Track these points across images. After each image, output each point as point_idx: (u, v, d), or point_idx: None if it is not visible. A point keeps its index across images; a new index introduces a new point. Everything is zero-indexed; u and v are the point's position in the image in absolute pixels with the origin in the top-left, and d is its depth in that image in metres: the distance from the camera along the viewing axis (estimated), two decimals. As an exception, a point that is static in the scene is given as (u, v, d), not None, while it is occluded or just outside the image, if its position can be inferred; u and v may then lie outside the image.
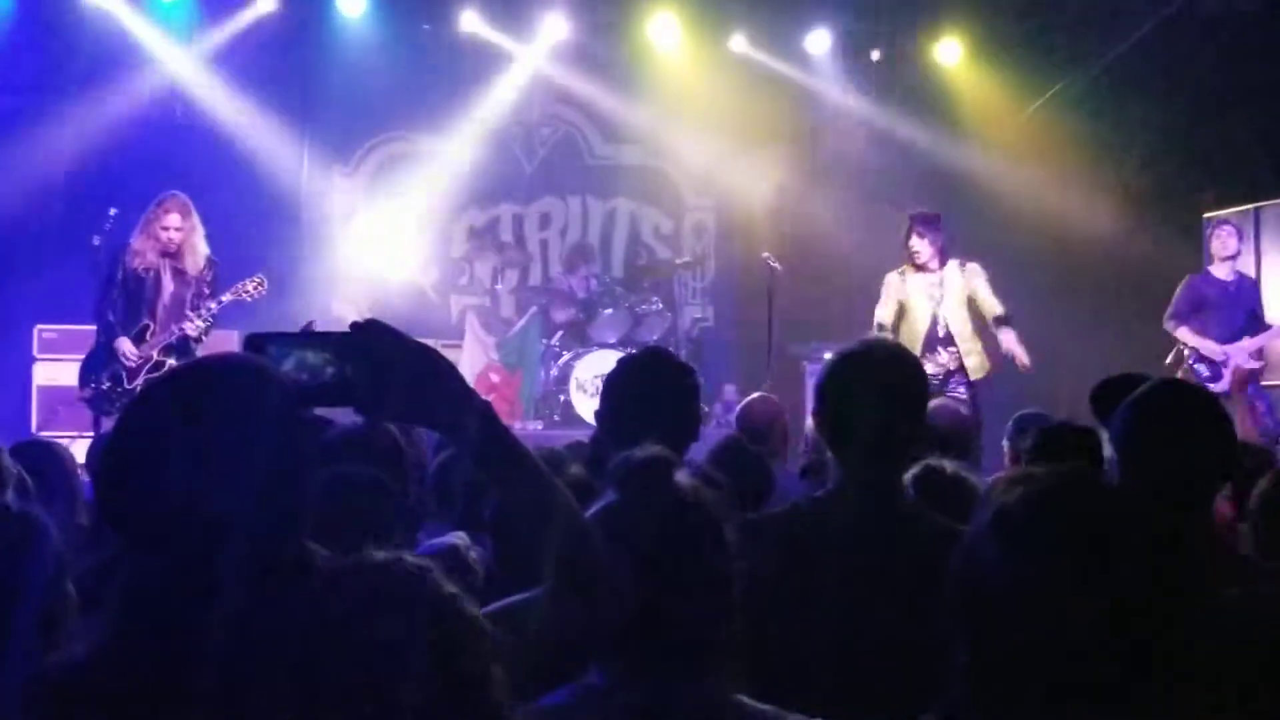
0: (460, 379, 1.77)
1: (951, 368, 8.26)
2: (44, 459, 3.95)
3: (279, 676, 1.51)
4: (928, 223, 8.36)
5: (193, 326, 7.97)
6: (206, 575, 1.64)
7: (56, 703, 1.67)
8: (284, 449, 1.72)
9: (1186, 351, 8.83)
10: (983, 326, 8.40)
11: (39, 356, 9.63)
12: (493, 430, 1.76)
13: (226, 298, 8.08)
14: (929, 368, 7.76)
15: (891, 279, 8.46)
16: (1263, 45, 10.19)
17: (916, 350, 7.78)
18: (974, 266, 8.41)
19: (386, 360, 1.70)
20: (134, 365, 7.92)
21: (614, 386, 3.30)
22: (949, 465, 3.07)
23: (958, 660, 1.57)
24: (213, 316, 8.09)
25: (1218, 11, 10.60)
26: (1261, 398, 8.87)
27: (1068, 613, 1.46)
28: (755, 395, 6.19)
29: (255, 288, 8.17)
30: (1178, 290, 8.97)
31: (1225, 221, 9.26)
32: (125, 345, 7.94)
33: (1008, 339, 8.23)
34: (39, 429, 9.10)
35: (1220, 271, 8.97)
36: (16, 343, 9.63)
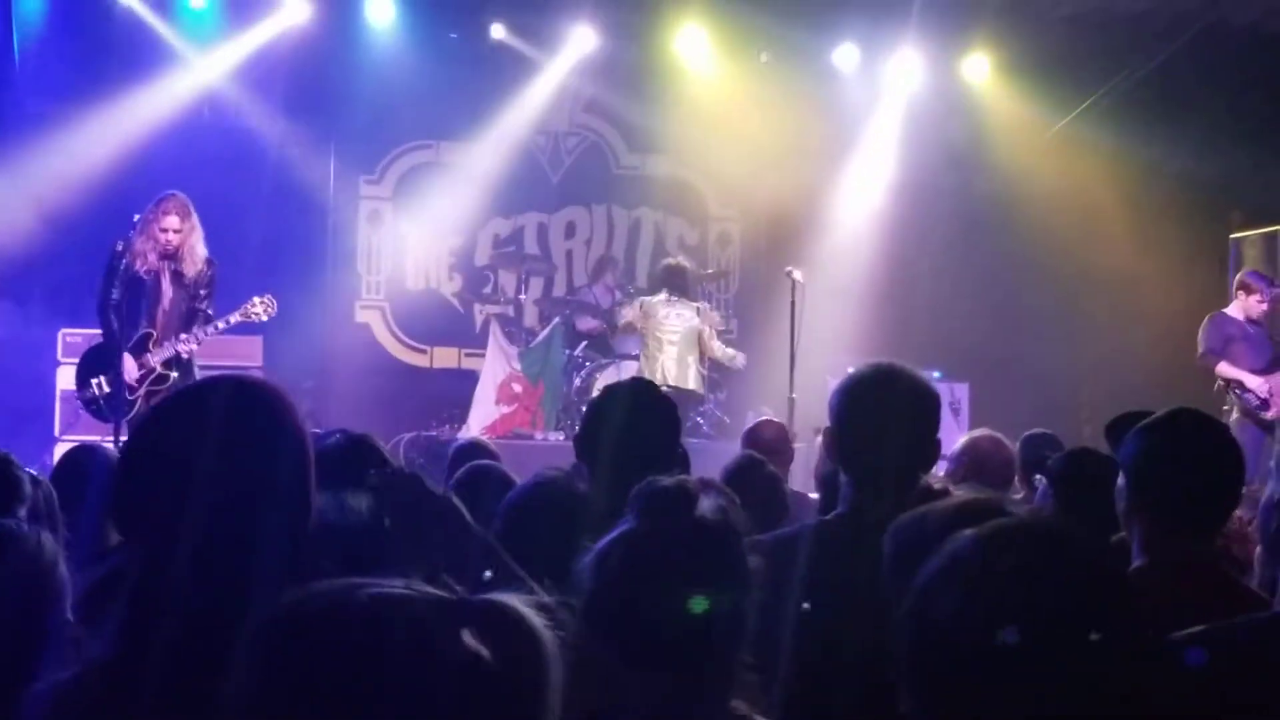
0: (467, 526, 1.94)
1: None
2: (86, 465, 3.87)
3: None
4: None
5: (185, 347, 7.68)
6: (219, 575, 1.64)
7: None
8: (297, 460, 1.75)
9: (1231, 384, 8.86)
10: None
11: (63, 360, 9.62)
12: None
13: (234, 318, 7.80)
14: None
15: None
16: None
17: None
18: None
19: (416, 516, 1.79)
20: (136, 380, 7.67)
21: (596, 417, 3.27)
22: (943, 483, 3.03)
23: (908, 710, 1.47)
24: (216, 334, 7.80)
25: (1247, 31, 10.54)
26: None
27: (1046, 672, 1.36)
28: (763, 418, 6.23)
29: (265, 308, 7.88)
30: (1204, 328, 9.05)
31: (1270, 283, 9.18)
32: (129, 367, 7.62)
33: None
34: (61, 433, 9.11)
35: (1236, 314, 9.03)
36: (41, 347, 9.66)
